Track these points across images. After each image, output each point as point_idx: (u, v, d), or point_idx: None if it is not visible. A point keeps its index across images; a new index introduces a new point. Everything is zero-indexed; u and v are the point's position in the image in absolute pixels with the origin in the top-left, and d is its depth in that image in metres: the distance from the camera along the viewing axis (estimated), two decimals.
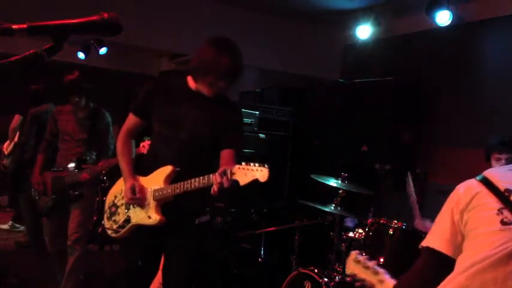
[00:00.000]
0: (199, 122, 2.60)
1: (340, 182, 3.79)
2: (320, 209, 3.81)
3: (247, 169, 2.25)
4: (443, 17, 4.93)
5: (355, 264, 1.91)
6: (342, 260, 3.76)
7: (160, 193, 2.58)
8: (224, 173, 2.28)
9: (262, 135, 5.18)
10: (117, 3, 4.17)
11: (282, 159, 5.48)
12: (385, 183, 4.49)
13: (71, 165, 3.86)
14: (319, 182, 3.84)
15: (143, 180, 2.68)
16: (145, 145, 3.35)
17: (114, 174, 3.35)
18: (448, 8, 4.90)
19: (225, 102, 2.68)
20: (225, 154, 2.58)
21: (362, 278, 1.87)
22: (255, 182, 2.23)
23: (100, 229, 5.23)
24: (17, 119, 5.48)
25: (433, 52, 5.40)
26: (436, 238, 1.60)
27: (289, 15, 6.15)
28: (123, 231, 2.74)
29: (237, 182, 2.27)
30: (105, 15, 1.02)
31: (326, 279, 3.47)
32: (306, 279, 3.57)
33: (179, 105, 2.63)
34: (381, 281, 1.80)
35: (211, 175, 2.34)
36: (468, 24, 5.12)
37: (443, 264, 1.56)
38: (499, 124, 4.66)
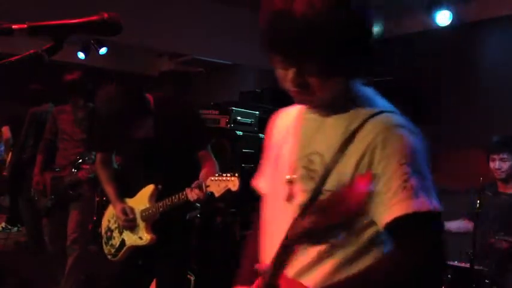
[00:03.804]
0: (157, 134, 2.60)
1: None
2: None
3: (220, 180, 2.31)
4: (443, 17, 4.93)
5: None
6: None
7: (147, 213, 2.62)
8: (199, 187, 2.34)
9: (262, 135, 5.18)
10: (117, 3, 4.16)
11: None
12: None
13: (71, 167, 3.87)
14: None
15: (129, 202, 2.72)
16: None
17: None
18: (448, 8, 4.90)
19: (170, 106, 2.66)
20: (201, 155, 2.63)
21: None
22: (228, 191, 2.29)
23: (100, 229, 5.23)
24: (6, 130, 5.51)
25: (433, 52, 5.39)
26: None
27: None
28: (120, 254, 2.76)
29: (212, 193, 2.33)
30: (105, 15, 1.02)
31: None
32: None
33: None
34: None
35: (187, 190, 2.40)
36: (468, 24, 5.12)
37: None
38: (499, 124, 4.66)
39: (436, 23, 4.99)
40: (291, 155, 1.34)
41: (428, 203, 1.14)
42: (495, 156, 3.47)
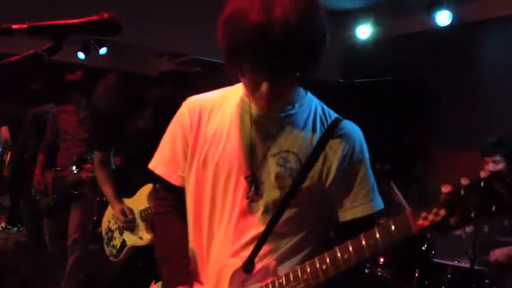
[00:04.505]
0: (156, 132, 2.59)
1: None
2: None
3: None
4: (443, 17, 4.93)
5: None
6: None
7: (146, 213, 2.61)
8: None
9: None
10: (117, 3, 4.16)
11: None
12: (385, 183, 4.49)
13: (72, 166, 3.86)
14: None
15: (128, 202, 2.72)
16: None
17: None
18: (448, 8, 4.91)
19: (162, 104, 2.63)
20: None
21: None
22: None
23: (100, 229, 5.22)
24: (4, 130, 5.51)
25: (433, 52, 5.39)
26: None
27: None
28: (122, 255, 2.77)
29: None
30: (105, 15, 1.02)
31: None
32: None
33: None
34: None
35: None
36: (468, 24, 5.12)
37: None
38: (499, 124, 4.66)
39: (436, 23, 4.99)
40: (249, 152, 1.34)
41: (380, 203, 1.39)
42: (488, 159, 3.46)
